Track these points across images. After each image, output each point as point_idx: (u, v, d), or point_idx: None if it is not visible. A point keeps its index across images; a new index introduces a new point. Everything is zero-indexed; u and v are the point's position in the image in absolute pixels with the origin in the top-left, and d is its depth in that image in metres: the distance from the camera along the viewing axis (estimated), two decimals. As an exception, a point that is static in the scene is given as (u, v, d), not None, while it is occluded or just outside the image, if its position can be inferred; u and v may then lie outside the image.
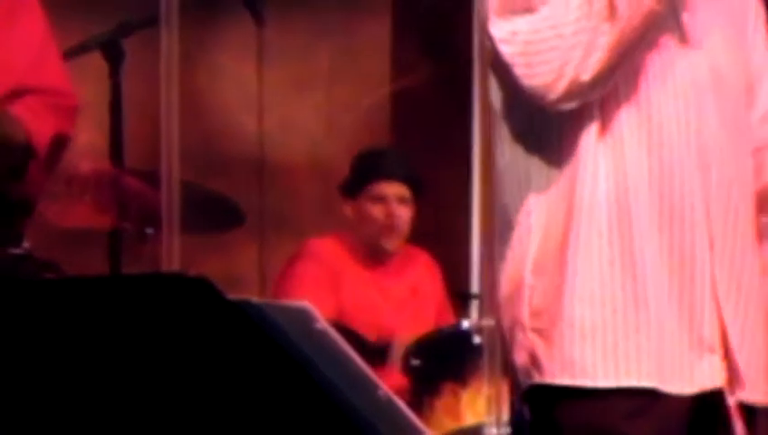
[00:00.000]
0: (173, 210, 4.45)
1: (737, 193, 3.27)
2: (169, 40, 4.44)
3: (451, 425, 4.95)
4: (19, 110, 3.05)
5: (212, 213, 5.39)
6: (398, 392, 4.80)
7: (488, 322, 4.57)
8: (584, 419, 3.29)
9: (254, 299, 2.39)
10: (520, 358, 3.30)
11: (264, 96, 6.59)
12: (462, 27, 3.50)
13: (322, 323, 2.39)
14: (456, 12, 3.33)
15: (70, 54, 4.54)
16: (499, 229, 3.38)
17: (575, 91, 3.16)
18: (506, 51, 3.19)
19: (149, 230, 4.84)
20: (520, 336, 3.30)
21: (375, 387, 2.45)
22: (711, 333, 3.23)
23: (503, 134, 3.32)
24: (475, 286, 4.75)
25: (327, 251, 5.80)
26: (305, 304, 2.40)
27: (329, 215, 5.96)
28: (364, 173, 5.83)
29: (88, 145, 4.72)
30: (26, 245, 4.32)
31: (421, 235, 5.86)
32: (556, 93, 3.16)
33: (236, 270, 6.14)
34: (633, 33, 3.16)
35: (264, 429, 2.52)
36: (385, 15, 7.16)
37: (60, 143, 3.13)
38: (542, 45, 3.19)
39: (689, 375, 3.23)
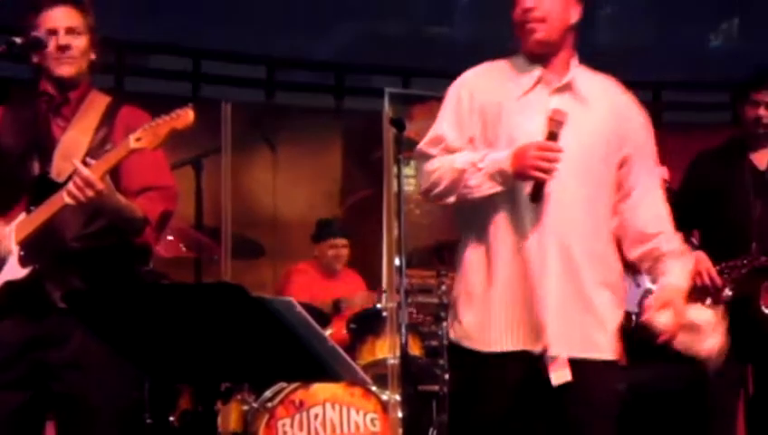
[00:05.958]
0: (227, 247, 4.35)
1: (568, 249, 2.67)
2: (226, 159, 4.37)
3: (370, 358, 4.83)
4: (142, 200, 2.89)
5: (248, 249, 5.20)
6: (343, 342, 4.88)
7: (390, 304, 4.41)
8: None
9: (266, 296, 2.31)
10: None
11: (276, 190, 6.62)
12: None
13: (299, 307, 2.30)
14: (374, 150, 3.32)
15: (176, 166, 4.33)
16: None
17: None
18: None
19: (215, 258, 4.63)
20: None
21: (326, 340, 2.36)
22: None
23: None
24: (384, 286, 4.71)
25: (305, 270, 5.68)
26: (290, 298, 2.33)
27: (308, 251, 5.82)
28: (323, 232, 5.72)
29: (185, 215, 4.60)
30: (151, 265, 4.34)
31: (356, 259, 5.74)
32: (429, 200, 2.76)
33: (261, 279, 5.94)
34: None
35: (268, 366, 2.44)
36: (337, 155, 7.07)
37: (165, 217, 2.94)
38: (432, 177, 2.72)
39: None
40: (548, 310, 2.64)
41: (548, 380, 2.63)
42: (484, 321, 2.70)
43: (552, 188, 2.63)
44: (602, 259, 2.72)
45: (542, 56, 2.68)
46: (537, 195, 2.65)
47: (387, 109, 4.01)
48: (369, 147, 4.56)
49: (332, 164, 7.07)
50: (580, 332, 2.67)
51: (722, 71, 6.49)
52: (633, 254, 2.78)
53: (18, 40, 2.85)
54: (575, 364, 2.66)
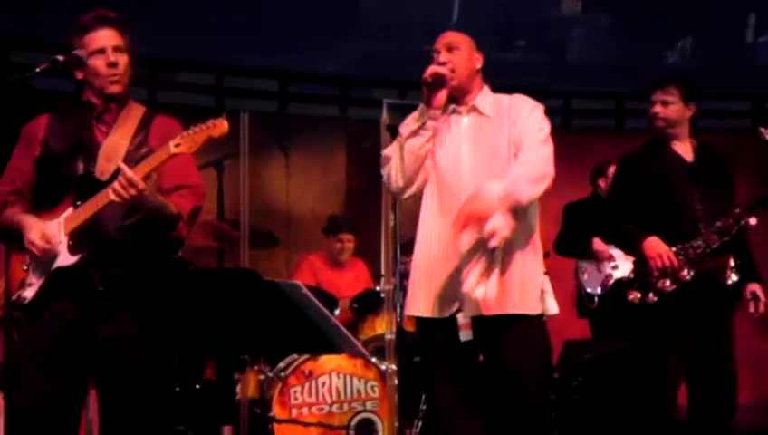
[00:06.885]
0: (245, 238, 4.29)
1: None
2: (244, 162, 4.32)
3: (370, 334, 4.83)
4: (175, 197, 2.90)
5: (264, 239, 5.15)
6: (346, 321, 4.80)
7: (387, 287, 4.34)
8: None
9: (276, 280, 2.31)
10: None
11: (289, 188, 6.55)
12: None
13: (305, 289, 2.31)
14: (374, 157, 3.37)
15: (200, 167, 4.04)
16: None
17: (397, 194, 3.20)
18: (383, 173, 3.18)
19: (235, 248, 4.55)
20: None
21: (329, 319, 2.37)
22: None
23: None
24: (382, 271, 4.70)
25: (314, 260, 5.59)
26: (297, 281, 2.34)
27: (319, 243, 5.72)
28: (333, 227, 5.65)
29: (208, 210, 4.45)
30: (180, 253, 4.16)
31: (361, 250, 5.63)
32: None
33: (276, 267, 5.85)
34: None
35: (280, 340, 2.45)
36: (342, 158, 7.00)
37: (195, 211, 2.95)
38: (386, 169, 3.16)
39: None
40: (459, 283, 3.01)
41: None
42: (418, 293, 3.12)
43: (465, 182, 3.03)
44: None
45: (458, 94, 3.14)
46: (435, 83, 3.04)
47: (385, 117, 4.02)
48: (369, 151, 4.60)
49: (338, 166, 7.03)
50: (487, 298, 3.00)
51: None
52: None
53: (60, 58, 2.87)
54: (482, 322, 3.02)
